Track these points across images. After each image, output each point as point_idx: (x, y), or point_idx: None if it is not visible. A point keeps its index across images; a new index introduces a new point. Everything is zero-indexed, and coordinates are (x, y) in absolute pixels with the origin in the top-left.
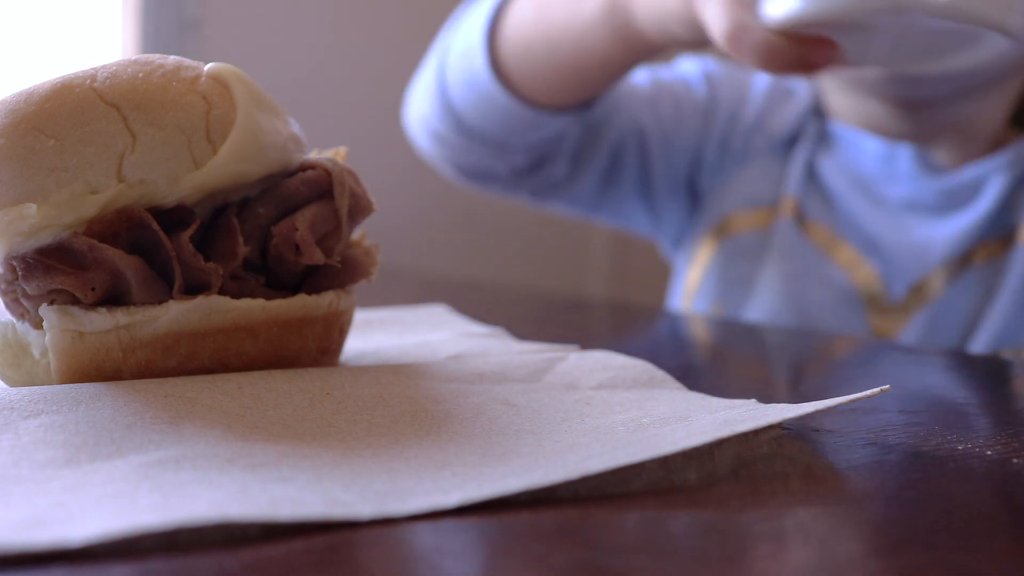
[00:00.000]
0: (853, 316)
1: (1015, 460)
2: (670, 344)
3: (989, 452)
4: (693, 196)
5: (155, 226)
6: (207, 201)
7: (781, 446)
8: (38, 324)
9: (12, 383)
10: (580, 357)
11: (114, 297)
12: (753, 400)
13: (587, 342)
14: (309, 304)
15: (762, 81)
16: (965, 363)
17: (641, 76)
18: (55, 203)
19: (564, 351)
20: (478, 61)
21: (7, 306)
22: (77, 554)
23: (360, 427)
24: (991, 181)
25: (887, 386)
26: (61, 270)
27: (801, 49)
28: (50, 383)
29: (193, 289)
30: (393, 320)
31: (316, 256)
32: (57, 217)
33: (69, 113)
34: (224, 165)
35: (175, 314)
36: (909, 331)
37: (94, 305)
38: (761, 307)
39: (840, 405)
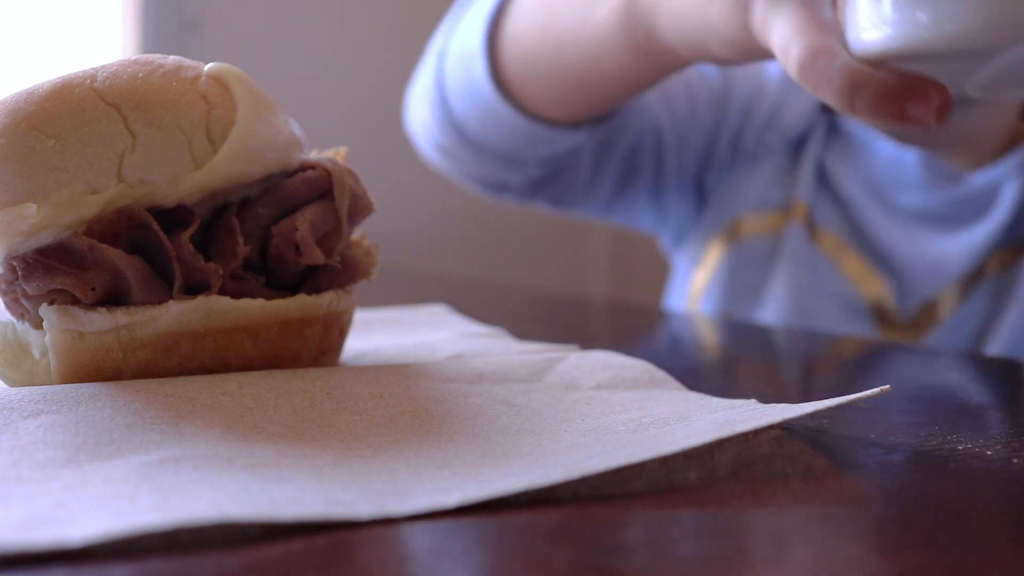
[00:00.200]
0: (862, 331)
1: (1015, 460)
2: (670, 344)
3: (989, 452)
4: (700, 193)
5: (155, 226)
6: (207, 201)
7: (781, 446)
8: (38, 324)
9: (12, 383)
10: (580, 357)
11: (114, 297)
12: (753, 400)
13: (587, 342)
14: (309, 304)
15: (775, 66)
16: (967, 363)
17: None
18: (55, 203)
19: (564, 351)
20: (478, 70)
21: (7, 306)
22: (77, 554)
23: (360, 427)
24: (1006, 187)
25: (887, 386)
26: (61, 270)
27: (900, 86)
28: (50, 383)
29: (193, 289)
30: (393, 320)
31: (316, 256)
32: (57, 217)
33: (69, 113)
34: (224, 165)
35: (175, 314)
36: None
37: (94, 305)
38: (769, 318)
39: (840, 405)
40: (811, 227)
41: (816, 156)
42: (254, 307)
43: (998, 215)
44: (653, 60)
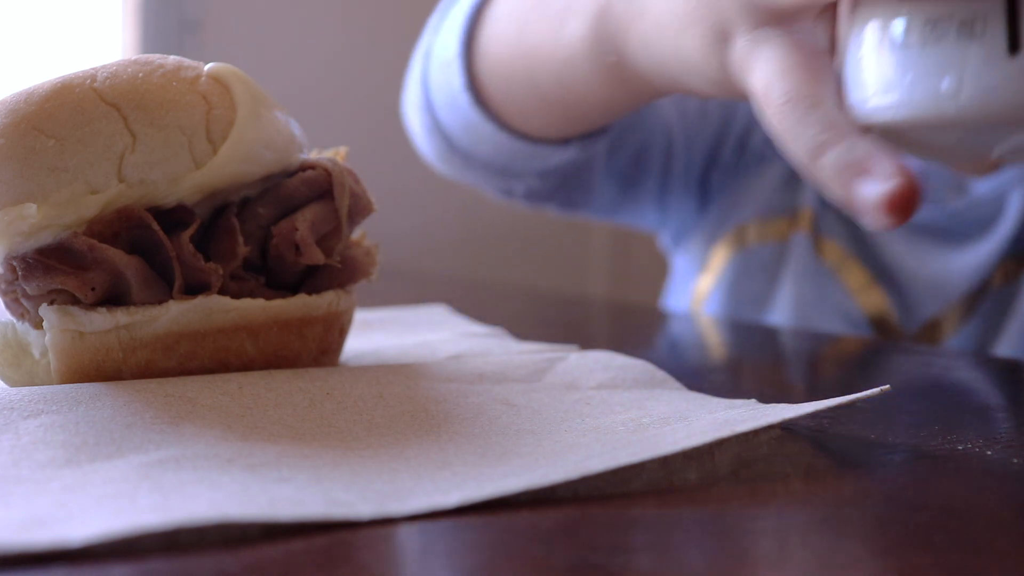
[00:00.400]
0: None
1: (1015, 460)
2: (670, 344)
3: (989, 452)
4: (703, 193)
5: (155, 226)
6: (207, 201)
7: (781, 446)
8: (38, 324)
9: (12, 383)
10: (580, 357)
11: (114, 297)
12: (753, 400)
13: (587, 342)
14: (309, 304)
15: None
16: (967, 364)
17: None
18: (55, 203)
19: (564, 351)
20: (455, 79)
21: (7, 306)
22: (77, 554)
23: (360, 427)
24: (1012, 197)
25: (887, 386)
26: (61, 270)
27: (868, 160)
28: (50, 383)
29: (193, 289)
30: (393, 320)
31: (316, 256)
32: (57, 217)
33: (69, 113)
34: (224, 165)
35: (175, 314)
36: None
37: (94, 305)
38: None
39: (840, 405)
40: (816, 236)
41: None
42: (254, 307)
43: (1004, 227)
44: (627, 87)
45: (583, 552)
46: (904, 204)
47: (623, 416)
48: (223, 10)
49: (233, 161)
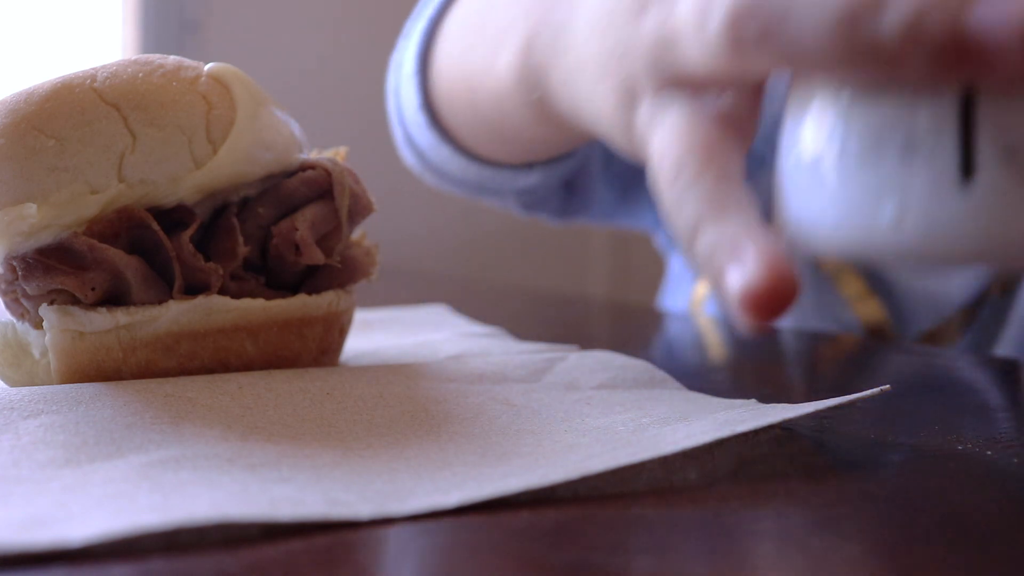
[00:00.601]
0: None
1: (1015, 460)
2: (670, 344)
3: (989, 452)
4: None
5: (155, 226)
6: (207, 201)
7: (781, 446)
8: (38, 324)
9: (12, 383)
10: (580, 357)
11: (114, 297)
12: (753, 400)
13: (587, 342)
14: (309, 304)
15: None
16: (968, 364)
17: None
18: (55, 203)
19: (564, 351)
20: (412, 99)
21: (7, 306)
22: (77, 554)
23: (360, 427)
24: None
25: (887, 386)
26: (61, 270)
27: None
28: (50, 383)
29: (193, 289)
30: (393, 320)
31: (316, 256)
32: (57, 217)
33: (69, 113)
34: (224, 165)
35: (175, 314)
36: None
37: (94, 305)
38: None
39: (840, 405)
40: None
41: None
42: (254, 307)
43: None
44: (555, 125)
45: (583, 552)
46: (764, 303)
47: (623, 416)
48: (223, 10)
49: (233, 161)
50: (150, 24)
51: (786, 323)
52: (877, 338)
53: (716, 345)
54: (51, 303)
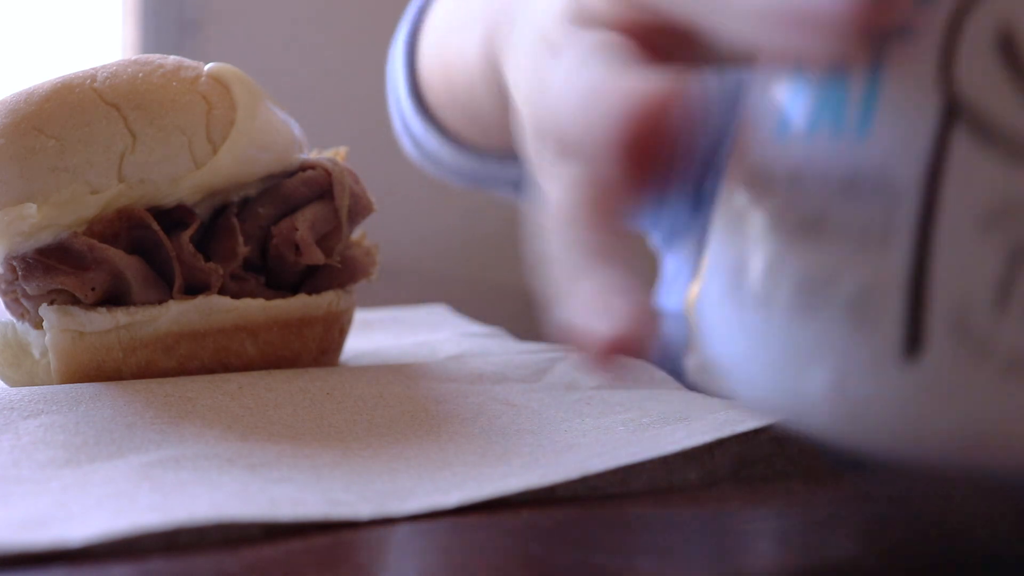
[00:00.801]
0: None
1: None
2: (666, 344)
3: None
4: (698, 196)
5: (155, 226)
6: (207, 201)
7: (781, 446)
8: (38, 324)
9: (12, 383)
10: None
11: (114, 297)
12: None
13: None
14: (309, 304)
15: None
16: None
17: None
18: (55, 203)
19: (564, 351)
20: (402, 86)
21: (7, 306)
22: (77, 554)
23: (360, 427)
24: None
25: None
26: (61, 270)
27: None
28: (50, 383)
29: (193, 289)
30: (393, 320)
31: (316, 256)
32: (57, 217)
33: (69, 113)
34: (224, 165)
35: (175, 314)
36: None
37: (94, 305)
38: None
39: None
40: None
41: None
42: (254, 307)
43: None
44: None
45: (583, 552)
46: (610, 357)
47: (623, 416)
48: (223, 10)
49: (233, 161)
50: (150, 24)
51: None
52: None
53: None
54: (51, 303)
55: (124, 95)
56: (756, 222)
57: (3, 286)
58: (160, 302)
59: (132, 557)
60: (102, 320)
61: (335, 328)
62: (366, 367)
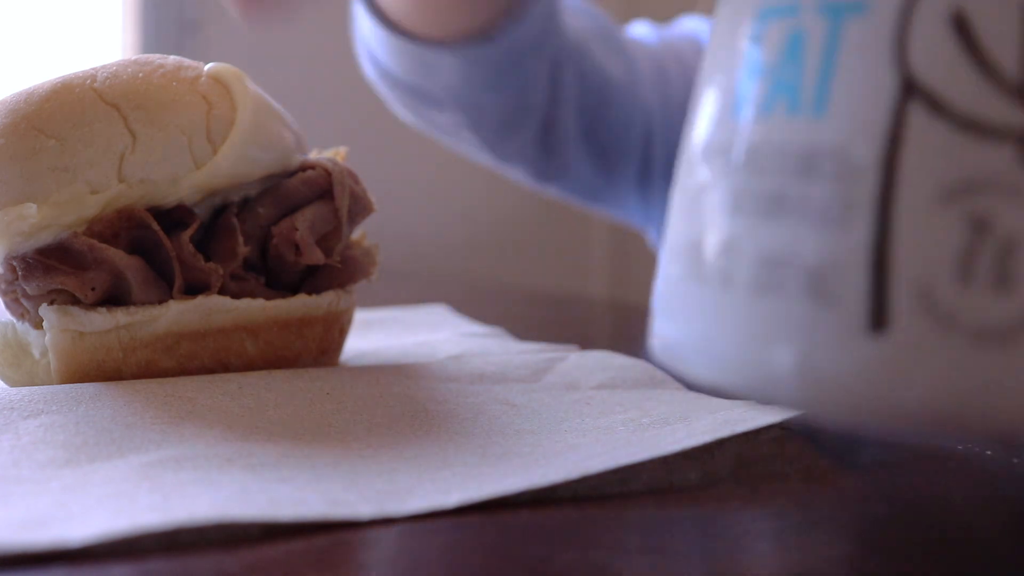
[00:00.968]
0: None
1: (1015, 460)
2: None
3: (989, 452)
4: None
5: (155, 226)
6: (207, 201)
7: (781, 446)
8: (38, 324)
9: (12, 383)
10: (580, 357)
11: (114, 297)
12: (753, 400)
13: (587, 342)
14: (309, 304)
15: None
16: None
17: (648, 35)
18: (55, 203)
19: (564, 351)
20: None
21: (7, 306)
22: (77, 554)
23: (360, 427)
24: None
25: None
26: (61, 270)
27: None
28: (50, 383)
29: (193, 289)
30: (393, 320)
31: (316, 256)
32: (57, 217)
33: (69, 113)
34: (224, 165)
35: (175, 314)
36: None
37: (94, 305)
38: None
39: None
40: None
41: None
42: (254, 307)
43: None
44: None
45: (583, 552)
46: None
47: (623, 416)
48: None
49: (233, 161)
50: (150, 24)
51: None
52: None
53: None
54: (51, 303)
55: (124, 95)
56: (714, 201)
57: (3, 286)
58: (160, 302)
59: (132, 557)
60: (102, 320)
61: (335, 328)
62: (366, 367)
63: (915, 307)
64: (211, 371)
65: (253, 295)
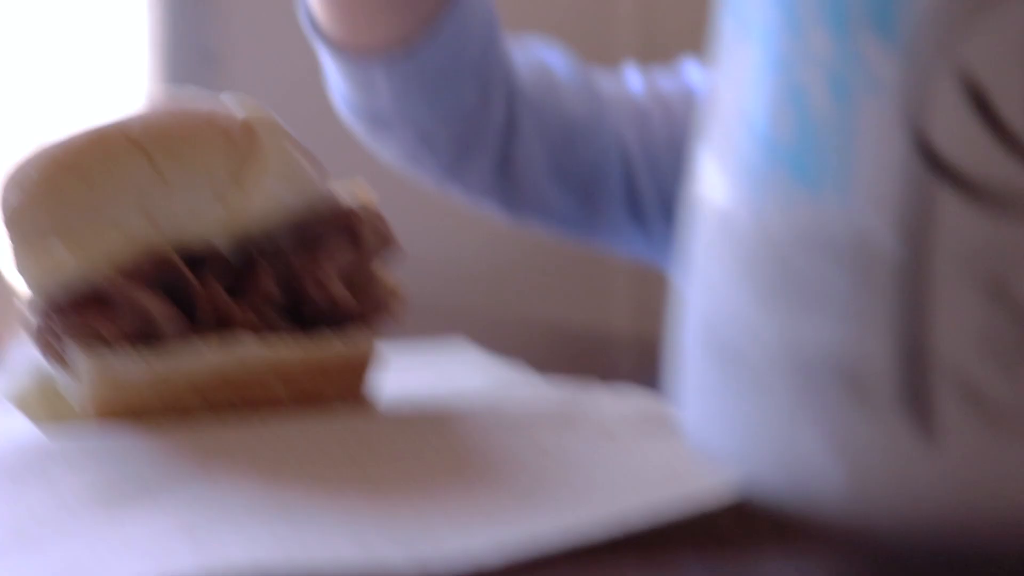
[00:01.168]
0: None
1: None
2: None
3: None
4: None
5: (183, 268)
6: (235, 243)
7: None
8: (68, 366)
9: (43, 426)
10: (614, 401)
11: (143, 339)
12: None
13: (616, 381)
14: (337, 345)
15: None
16: None
17: (636, 83)
18: (83, 244)
19: (596, 394)
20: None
21: (39, 349)
22: None
23: (396, 476)
24: None
25: None
26: (90, 313)
27: None
28: (81, 426)
29: (221, 329)
30: (417, 358)
31: (343, 297)
32: (86, 259)
33: (99, 156)
34: (251, 206)
35: (204, 355)
36: None
37: (123, 347)
38: None
39: None
40: None
41: None
42: (283, 349)
43: None
44: None
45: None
46: None
47: (657, 461)
48: (243, 42)
49: (260, 202)
50: (169, 56)
51: None
52: None
53: None
54: (80, 345)
55: (152, 136)
56: (727, 279)
57: (34, 329)
58: (189, 343)
59: None
60: (132, 362)
61: (364, 369)
62: (398, 414)
63: (961, 405)
64: (242, 414)
65: (281, 336)
